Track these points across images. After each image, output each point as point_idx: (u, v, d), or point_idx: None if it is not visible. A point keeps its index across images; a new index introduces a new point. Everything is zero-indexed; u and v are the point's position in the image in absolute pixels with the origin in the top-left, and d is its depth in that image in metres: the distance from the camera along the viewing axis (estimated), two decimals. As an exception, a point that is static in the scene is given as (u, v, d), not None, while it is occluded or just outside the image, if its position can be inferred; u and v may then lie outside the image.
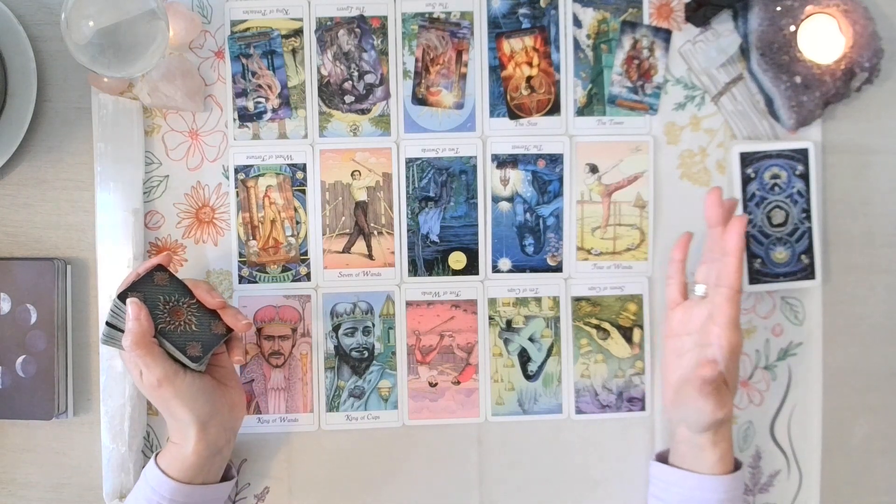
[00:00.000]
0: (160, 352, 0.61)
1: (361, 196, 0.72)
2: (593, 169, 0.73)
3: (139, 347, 0.59)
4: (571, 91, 0.72)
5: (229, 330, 0.65)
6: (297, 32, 0.71)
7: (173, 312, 0.63)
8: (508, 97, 0.72)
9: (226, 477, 0.67)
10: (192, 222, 0.71)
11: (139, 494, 0.63)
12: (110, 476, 0.68)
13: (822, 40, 0.70)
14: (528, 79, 0.72)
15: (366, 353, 0.72)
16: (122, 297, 0.61)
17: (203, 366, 0.63)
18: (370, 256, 0.72)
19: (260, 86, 0.71)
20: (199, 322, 0.63)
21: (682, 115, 0.73)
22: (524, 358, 0.73)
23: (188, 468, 0.62)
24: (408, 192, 0.72)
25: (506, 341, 0.73)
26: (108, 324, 0.61)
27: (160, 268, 0.64)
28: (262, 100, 0.71)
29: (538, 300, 0.73)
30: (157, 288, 0.63)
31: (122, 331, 0.61)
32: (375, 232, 0.72)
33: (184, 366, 0.62)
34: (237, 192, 0.71)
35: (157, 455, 0.64)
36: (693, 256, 0.73)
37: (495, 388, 0.73)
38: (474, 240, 0.72)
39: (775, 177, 0.71)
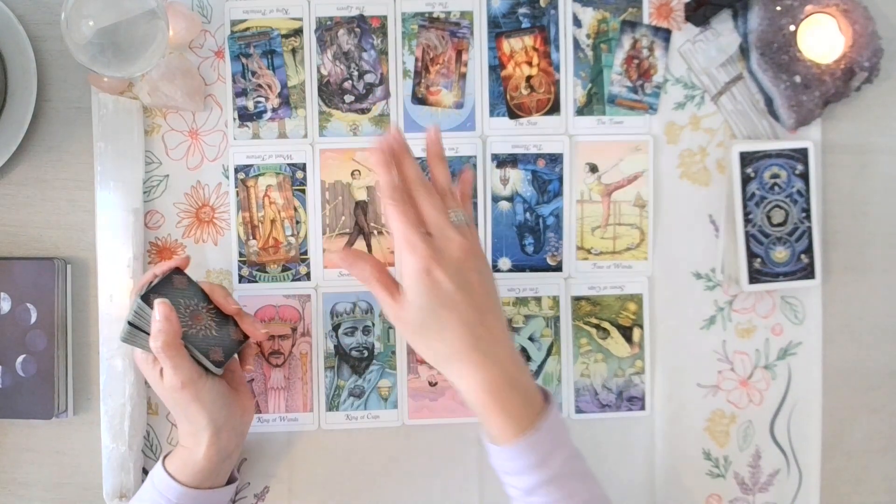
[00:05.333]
0: (187, 354, 0.60)
1: (361, 195, 0.72)
2: (593, 168, 0.73)
3: (171, 348, 0.59)
4: (571, 91, 0.72)
5: (246, 337, 0.65)
6: (297, 32, 0.71)
7: (194, 317, 0.62)
8: (508, 97, 0.72)
9: (230, 479, 0.66)
10: (192, 222, 0.71)
11: (145, 496, 0.63)
12: (110, 476, 0.68)
13: (821, 40, 0.70)
14: (528, 78, 0.72)
15: (366, 353, 0.72)
16: (145, 298, 0.60)
17: (222, 371, 0.63)
18: (370, 256, 0.72)
19: (260, 85, 0.71)
20: (218, 327, 0.63)
21: (682, 115, 0.73)
22: (524, 357, 0.73)
23: (198, 473, 0.62)
24: (408, 192, 0.72)
25: (506, 341, 0.73)
26: (130, 323, 0.61)
27: (178, 271, 0.64)
28: (262, 99, 0.71)
29: (538, 300, 0.73)
30: (177, 291, 0.62)
31: (145, 331, 0.60)
32: (375, 231, 0.72)
33: (205, 370, 0.62)
34: (237, 191, 0.71)
35: (164, 458, 0.64)
36: (692, 255, 0.73)
37: (495, 388, 0.72)
38: (474, 239, 0.72)
39: (775, 176, 0.71)
